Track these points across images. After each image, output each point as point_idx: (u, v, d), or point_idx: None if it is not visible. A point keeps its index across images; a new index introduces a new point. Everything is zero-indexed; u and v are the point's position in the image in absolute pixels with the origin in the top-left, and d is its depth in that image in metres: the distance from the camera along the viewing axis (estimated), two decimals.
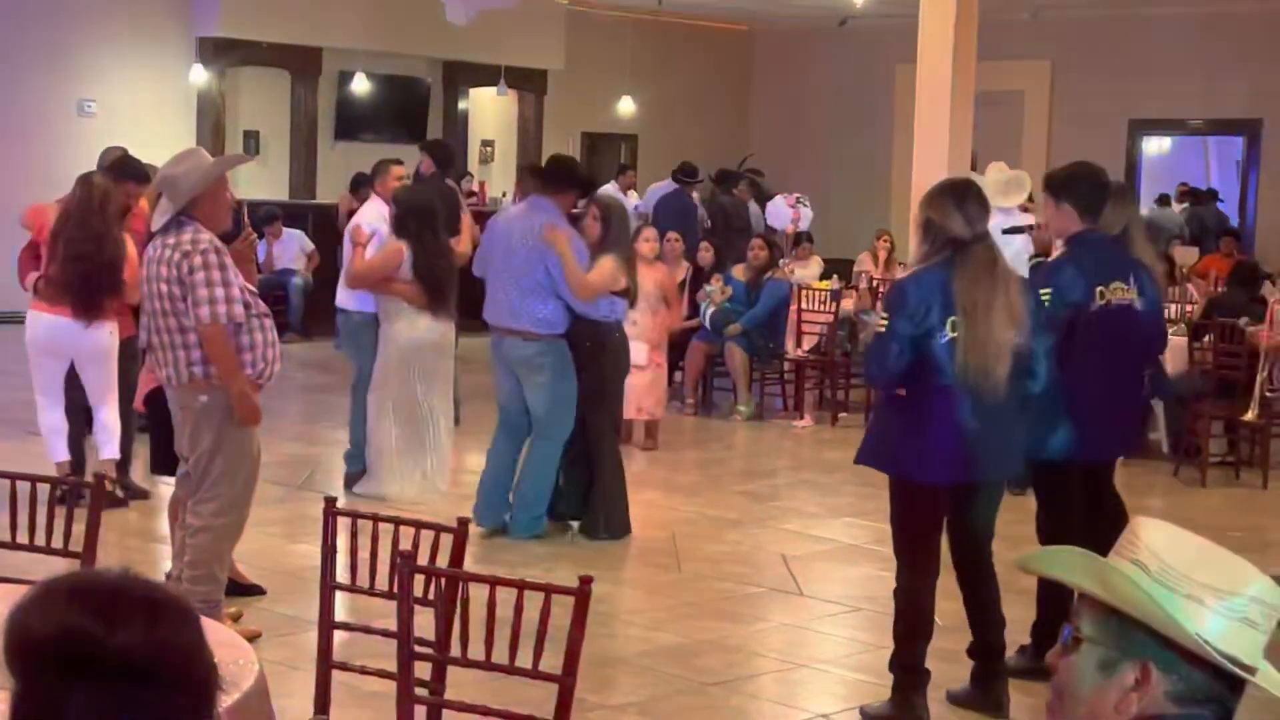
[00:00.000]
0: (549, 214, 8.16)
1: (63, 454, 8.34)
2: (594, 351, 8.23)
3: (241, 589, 6.84)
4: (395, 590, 4.11)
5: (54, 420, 8.39)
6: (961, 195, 5.57)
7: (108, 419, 8.29)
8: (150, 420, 7.09)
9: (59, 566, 4.37)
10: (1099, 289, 6.10)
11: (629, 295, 8.32)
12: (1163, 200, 19.48)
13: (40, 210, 8.69)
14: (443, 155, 11.54)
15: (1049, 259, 6.32)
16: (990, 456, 5.61)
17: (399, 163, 9.85)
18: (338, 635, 4.74)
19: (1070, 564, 1.95)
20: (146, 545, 7.96)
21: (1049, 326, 5.83)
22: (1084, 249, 6.16)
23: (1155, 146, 20.53)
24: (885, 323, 5.50)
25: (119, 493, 8.45)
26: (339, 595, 4.71)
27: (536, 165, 9.01)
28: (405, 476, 8.91)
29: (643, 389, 10.64)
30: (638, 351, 10.25)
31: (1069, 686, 1.91)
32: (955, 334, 5.40)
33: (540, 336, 8.13)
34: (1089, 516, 6.48)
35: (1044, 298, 5.99)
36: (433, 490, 8.89)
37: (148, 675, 1.59)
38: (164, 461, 6.87)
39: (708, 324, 12.43)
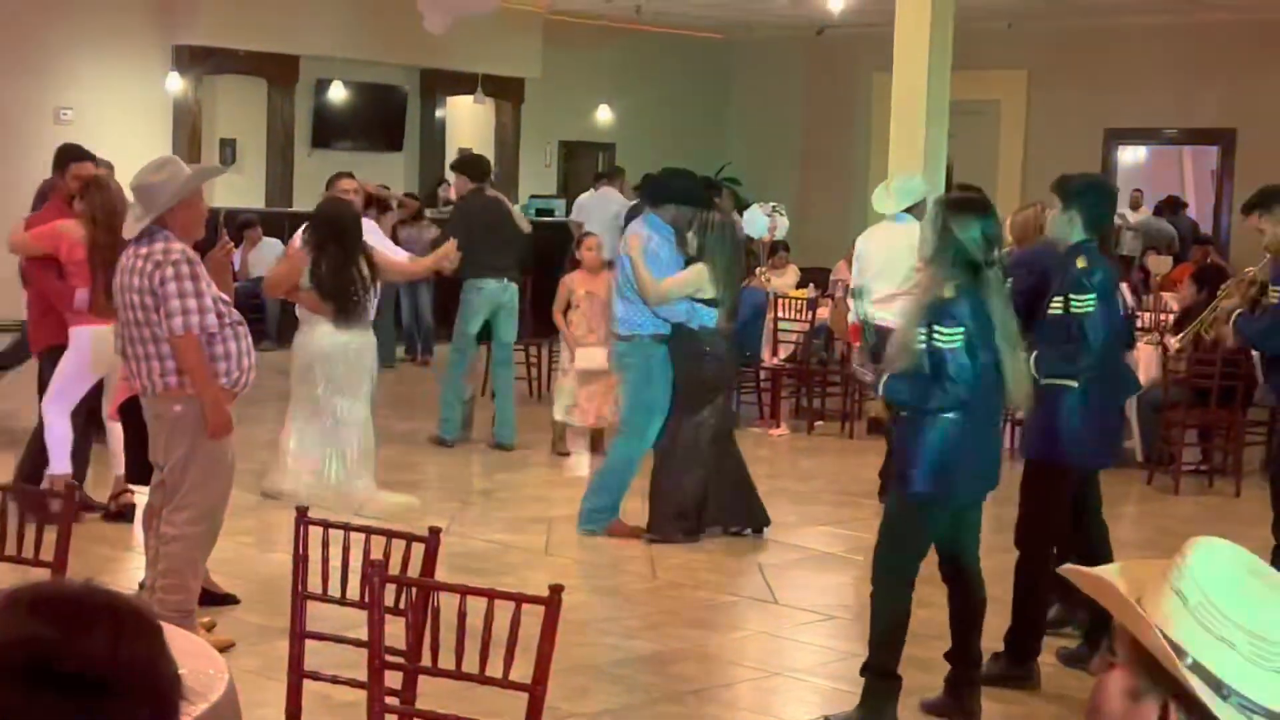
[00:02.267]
0: (645, 223, 8.67)
1: (66, 467, 8.26)
2: (680, 358, 8.56)
3: (215, 598, 6.83)
4: (366, 600, 4.11)
5: (65, 431, 8.28)
6: (985, 213, 5.61)
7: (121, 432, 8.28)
8: (125, 429, 7.08)
9: (30, 576, 4.36)
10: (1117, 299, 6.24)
11: (718, 304, 8.52)
12: (1158, 210, 19.54)
13: (53, 231, 8.19)
14: (476, 170, 11.51)
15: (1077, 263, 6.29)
16: (994, 471, 5.79)
17: (350, 176, 9.96)
18: (312, 644, 4.73)
19: (1103, 587, 1.90)
20: (119, 554, 7.94)
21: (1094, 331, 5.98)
22: (1098, 259, 6.22)
23: (1131, 156, 20.61)
24: (954, 337, 5.42)
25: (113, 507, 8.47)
26: (314, 604, 4.71)
27: (650, 175, 9.36)
28: (295, 475, 9.01)
29: (601, 395, 10.76)
30: (597, 357, 10.47)
31: (1101, 707, 1.86)
32: (998, 357, 5.50)
33: (623, 337, 8.60)
34: (1075, 525, 6.52)
35: (1087, 304, 6.03)
36: (322, 491, 8.89)
37: (110, 686, 1.59)
38: (139, 470, 6.86)
39: None
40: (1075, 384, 6.11)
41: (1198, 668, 1.74)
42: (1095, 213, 6.27)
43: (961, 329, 5.40)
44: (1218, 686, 1.72)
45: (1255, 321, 7.49)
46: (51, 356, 8.38)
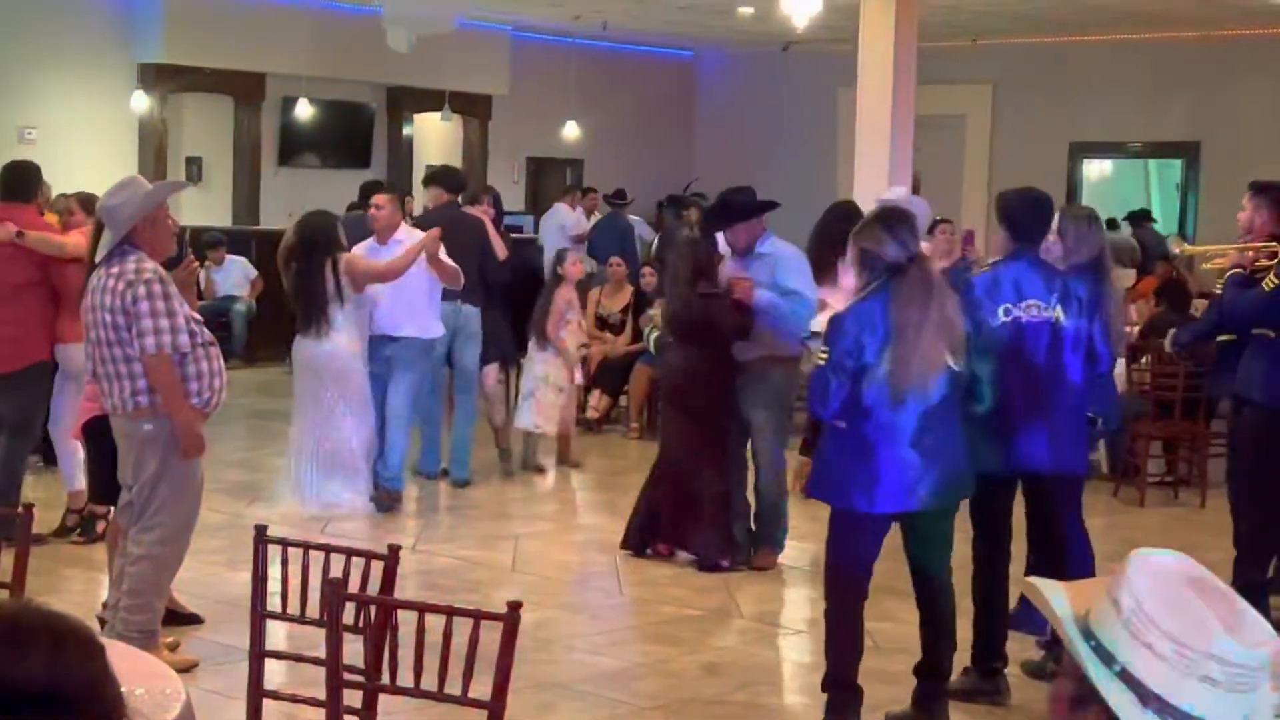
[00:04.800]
0: None
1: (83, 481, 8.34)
2: None
3: (179, 618, 6.80)
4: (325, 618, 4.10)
5: (76, 447, 8.30)
6: (892, 221, 5.65)
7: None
8: (89, 449, 7.04)
9: None
10: (1004, 306, 6.18)
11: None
12: (1110, 224, 19.67)
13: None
14: (447, 182, 11.01)
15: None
16: (936, 484, 5.65)
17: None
18: (278, 663, 4.72)
19: (1041, 598, 1.92)
20: (84, 575, 7.91)
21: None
22: (1002, 269, 6.27)
23: (1096, 169, 20.70)
24: (825, 355, 5.55)
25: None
26: (280, 624, 4.70)
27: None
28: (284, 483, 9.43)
29: (564, 404, 10.92)
30: (550, 364, 10.65)
31: (1051, 715, 1.89)
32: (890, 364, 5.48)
33: None
34: (1033, 539, 6.53)
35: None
36: (285, 499, 9.27)
37: (49, 706, 1.58)
38: (104, 490, 6.82)
39: (652, 348, 12.46)
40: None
41: (1125, 674, 1.76)
42: (1017, 222, 6.32)
43: (827, 350, 5.53)
44: (1142, 693, 1.75)
45: (1242, 293, 7.46)
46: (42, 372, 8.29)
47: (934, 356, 5.47)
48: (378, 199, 9.81)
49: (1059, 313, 6.22)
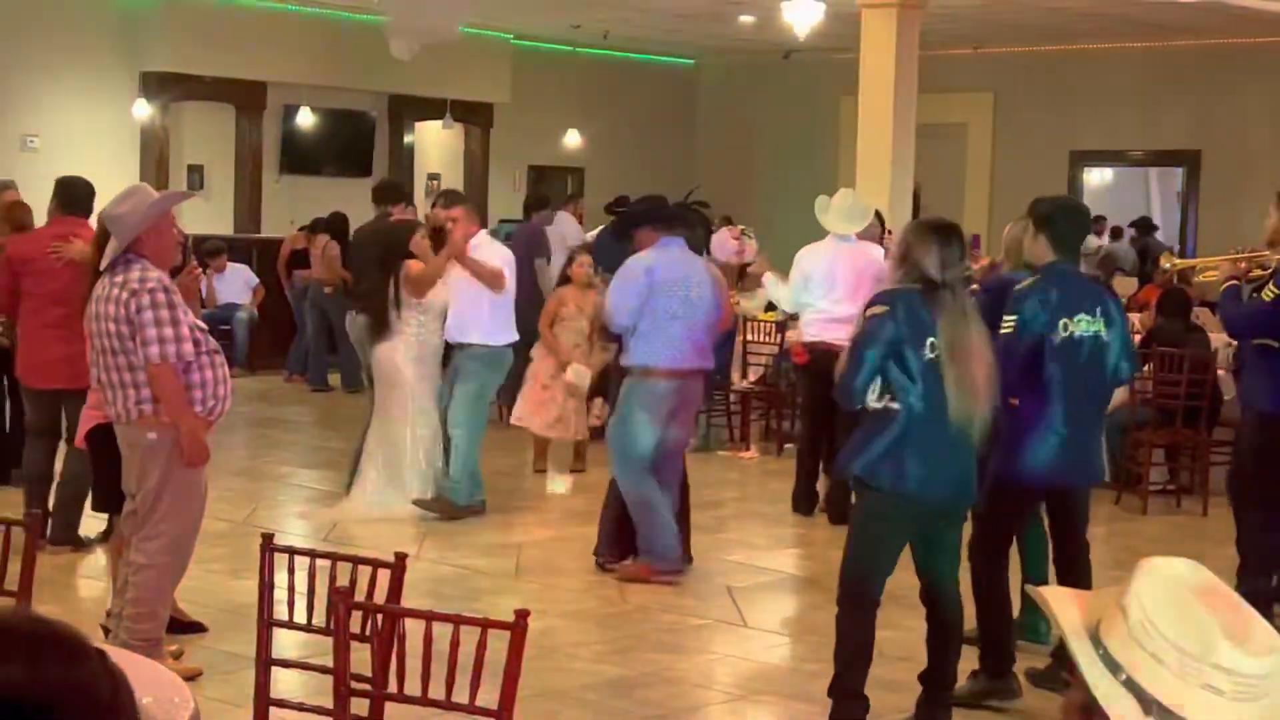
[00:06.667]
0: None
1: None
2: None
3: (182, 626, 6.80)
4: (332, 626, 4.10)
5: None
6: (945, 237, 5.65)
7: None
8: (92, 457, 7.04)
9: None
10: (1063, 321, 6.17)
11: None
12: (1115, 233, 19.71)
13: None
14: (378, 195, 11.03)
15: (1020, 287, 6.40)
16: (961, 482, 5.69)
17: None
18: (284, 672, 4.72)
19: (1048, 607, 1.93)
20: (89, 583, 7.91)
21: (1010, 354, 5.95)
22: (1051, 281, 6.23)
23: (1097, 177, 20.72)
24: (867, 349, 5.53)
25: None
26: (284, 632, 4.70)
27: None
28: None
29: (578, 411, 10.92)
30: (585, 375, 10.75)
31: None
32: (934, 355, 5.47)
33: None
34: (1058, 548, 6.54)
35: (1007, 326, 6.08)
36: (351, 506, 9.47)
37: (31, 713, 1.56)
38: (107, 499, 6.82)
39: None
40: (1014, 402, 6.10)
41: (1131, 684, 1.77)
42: (1060, 234, 6.31)
43: (872, 338, 5.50)
44: (1146, 702, 1.75)
45: (1240, 305, 7.47)
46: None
47: (983, 381, 5.51)
48: (453, 213, 9.80)
49: (1102, 326, 6.22)
